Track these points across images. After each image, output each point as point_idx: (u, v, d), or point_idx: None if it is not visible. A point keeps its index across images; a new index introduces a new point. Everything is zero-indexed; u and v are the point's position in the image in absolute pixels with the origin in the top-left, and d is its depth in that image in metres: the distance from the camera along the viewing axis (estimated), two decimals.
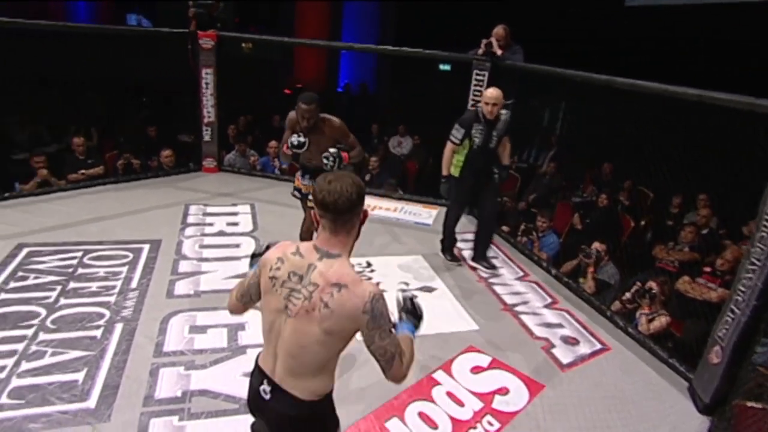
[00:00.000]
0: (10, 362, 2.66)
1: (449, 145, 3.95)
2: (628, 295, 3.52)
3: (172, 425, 2.36)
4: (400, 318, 1.69)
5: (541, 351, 3.18)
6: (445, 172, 4.01)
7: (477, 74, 4.97)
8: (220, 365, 2.78)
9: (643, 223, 5.03)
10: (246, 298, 1.64)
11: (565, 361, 3.10)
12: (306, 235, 3.67)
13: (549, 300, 3.82)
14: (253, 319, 3.16)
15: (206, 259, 3.93)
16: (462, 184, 4.03)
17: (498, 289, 3.93)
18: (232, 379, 2.67)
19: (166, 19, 6.20)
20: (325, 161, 3.24)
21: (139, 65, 6.26)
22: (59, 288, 3.38)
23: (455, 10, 9.00)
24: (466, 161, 3.95)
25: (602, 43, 6.90)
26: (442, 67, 10.22)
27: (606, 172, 6.09)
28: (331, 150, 3.26)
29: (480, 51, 4.92)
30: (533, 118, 5.22)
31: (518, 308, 3.66)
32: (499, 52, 4.87)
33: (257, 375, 1.60)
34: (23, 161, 5.46)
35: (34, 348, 2.79)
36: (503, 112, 3.88)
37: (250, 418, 2.20)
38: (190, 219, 4.70)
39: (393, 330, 1.53)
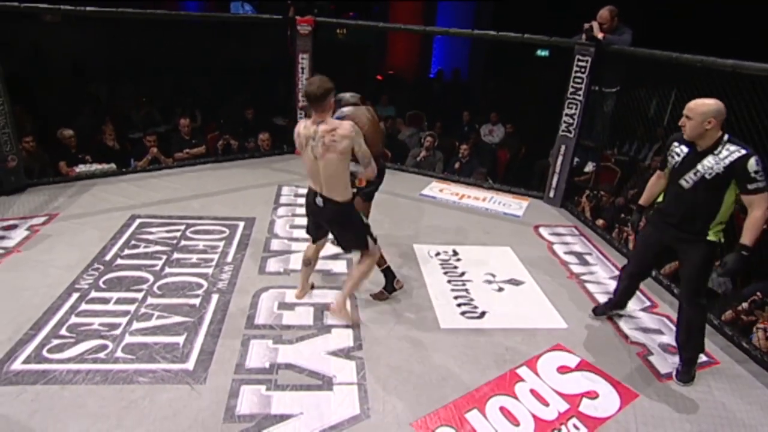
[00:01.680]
0: (124, 321, 2.94)
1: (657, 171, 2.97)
2: (744, 305, 3.17)
3: (260, 394, 2.47)
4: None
5: (636, 357, 2.96)
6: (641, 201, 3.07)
7: (579, 60, 4.68)
8: (306, 342, 2.87)
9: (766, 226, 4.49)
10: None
11: (663, 371, 2.87)
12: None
13: (647, 303, 3.55)
14: None
15: (296, 239, 4.07)
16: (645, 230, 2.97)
17: (590, 287, 3.71)
18: (317, 356, 2.75)
19: (269, 5, 6.44)
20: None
21: (240, 51, 6.60)
22: (165, 258, 3.66)
23: None
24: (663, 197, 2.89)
25: (725, 24, 6.23)
26: (539, 52, 9.80)
27: None
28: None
29: (583, 36, 4.63)
30: (638, 107, 4.82)
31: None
32: (600, 35, 4.54)
33: (311, 193, 2.87)
34: (138, 140, 5.97)
35: (143, 310, 3.05)
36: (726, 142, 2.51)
37: (332, 395, 2.34)
38: (283, 199, 4.89)
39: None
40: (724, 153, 2.46)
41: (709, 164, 2.49)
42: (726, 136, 2.49)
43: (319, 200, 2.80)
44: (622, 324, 3.28)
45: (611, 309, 3.32)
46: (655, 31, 4.90)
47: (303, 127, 2.71)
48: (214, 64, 6.71)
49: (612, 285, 3.75)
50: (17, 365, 2.56)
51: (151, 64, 6.63)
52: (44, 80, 6.63)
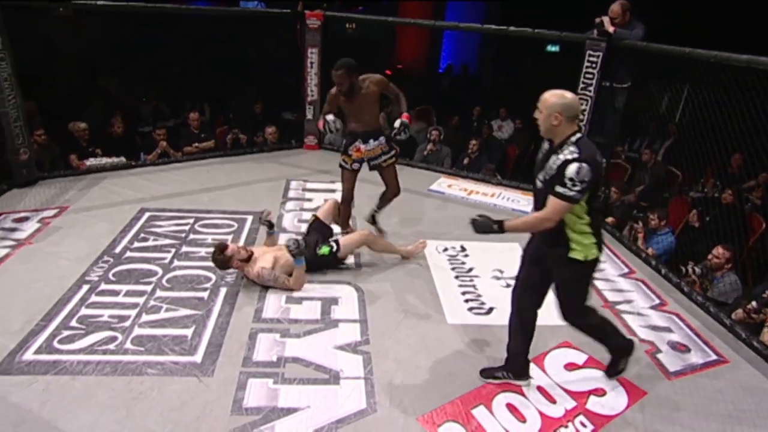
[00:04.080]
0: (133, 313, 2.96)
1: None
2: (754, 304, 3.13)
3: (267, 387, 2.49)
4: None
5: (644, 355, 2.94)
6: None
7: (590, 55, 4.64)
8: (313, 336, 2.88)
9: None
10: None
11: (672, 368, 2.84)
12: (348, 196, 3.85)
13: (657, 301, 3.52)
14: (346, 295, 3.27)
15: (304, 234, 4.07)
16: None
17: (599, 284, 3.68)
18: (324, 350, 2.76)
19: (277, 1, 6.44)
20: (398, 137, 3.61)
21: (250, 45, 6.60)
22: (173, 251, 3.68)
23: None
24: None
25: (740, 19, 6.14)
26: (549, 48, 9.73)
27: (734, 165, 5.44)
28: (396, 123, 3.58)
29: (594, 31, 4.58)
30: (650, 104, 4.77)
31: (621, 306, 3.42)
32: (611, 29, 4.49)
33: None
34: (147, 134, 6.00)
35: (152, 303, 3.07)
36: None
37: (339, 389, 2.35)
38: (291, 194, 4.90)
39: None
40: (563, 153, 2.15)
41: (551, 162, 2.20)
42: (576, 137, 2.16)
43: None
44: (631, 321, 3.25)
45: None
46: (669, 25, 4.84)
47: None
48: (224, 58, 6.72)
49: (621, 283, 3.74)
50: (29, 355, 2.59)
51: (160, 58, 6.65)
52: (55, 74, 6.68)
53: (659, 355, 2.94)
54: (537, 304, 2.54)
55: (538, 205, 2.31)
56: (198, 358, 2.66)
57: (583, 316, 2.54)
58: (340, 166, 3.82)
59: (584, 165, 2.09)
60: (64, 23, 7.24)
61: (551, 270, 2.41)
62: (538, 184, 2.30)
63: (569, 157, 2.12)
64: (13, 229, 3.84)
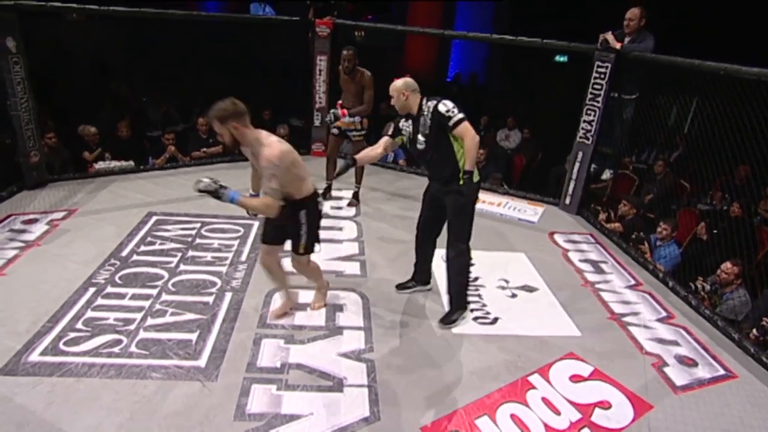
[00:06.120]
0: (138, 316, 2.97)
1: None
2: (765, 321, 3.09)
3: (270, 393, 2.48)
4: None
5: (651, 368, 2.92)
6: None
7: (598, 66, 4.64)
8: (317, 343, 2.88)
9: None
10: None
11: (678, 382, 2.82)
12: (331, 154, 4.86)
13: (663, 314, 3.50)
14: (351, 302, 3.27)
15: None
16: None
17: (605, 296, 3.67)
18: (328, 357, 2.76)
19: (288, 6, 6.49)
20: (327, 118, 4.62)
21: (259, 51, 6.64)
22: (180, 255, 3.69)
23: None
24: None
25: (749, 31, 6.13)
26: (558, 58, 9.73)
27: (740, 177, 5.40)
28: (332, 110, 4.53)
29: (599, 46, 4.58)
30: (658, 116, 4.75)
31: (627, 319, 3.39)
32: (617, 46, 4.50)
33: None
34: (156, 138, 6.04)
35: (157, 306, 3.08)
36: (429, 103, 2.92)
37: (342, 396, 2.35)
38: None
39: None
40: (425, 110, 2.89)
41: (423, 123, 2.92)
42: (425, 99, 2.93)
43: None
44: (637, 333, 3.23)
45: (415, 284, 3.50)
46: (677, 37, 4.83)
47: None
48: (233, 63, 6.77)
49: (628, 294, 3.71)
50: (35, 357, 2.60)
51: (170, 63, 6.71)
52: (66, 78, 6.74)
53: (666, 369, 2.92)
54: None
55: (428, 163, 3.05)
56: (202, 362, 2.66)
57: (465, 243, 3.11)
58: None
59: (445, 99, 2.89)
60: (75, 27, 7.32)
61: (445, 201, 3.05)
62: (420, 147, 2.97)
63: (432, 105, 2.87)
64: (22, 231, 3.88)
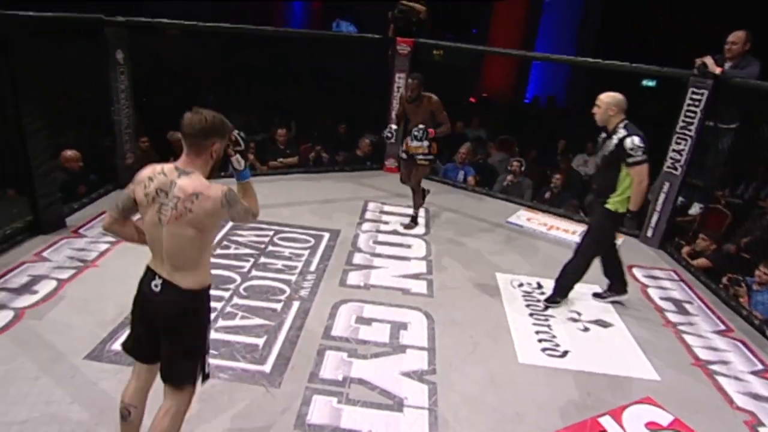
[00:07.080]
0: (211, 317, 3.07)
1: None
2: None
3: (331, 405, 2.49)
4: (237, 167, 2.09)
5: (743, 425, 2.64)
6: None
7: (693, 93, 4.35)
8: (380, 359, 2.86)
9: None
10: (126, 212, 1.91)
11: None
12: (405, 180, 4.80)
13: (759, 366, 3.17)
14: (416, 321, 3.23)
15: (378, 255, 4.09)
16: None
17: (689, 339, 3.39)
18: (390, 375, 2.72)
19: (371, 24, 6.65)
20: (415, 132, 4.39)
21: (338, 67, 6.84)
22: (252, 260, 3.82)
23: (670, 18, 8.07)
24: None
25: None
26: (645, 82, 9.28)
27: None
28: (420, 125, 4.37)
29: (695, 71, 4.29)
30: (760, 146, 4.38)
31: (714, 367, 3.11)
32: (717, 70, 4.19)
33: (148, 274, 1.92)
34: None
35: (228, 309, 3.20)
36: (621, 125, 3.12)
37: (402, 417, 2.27)
38: (368, 215, 4.96)
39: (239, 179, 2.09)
40: (616, 134, 3.09)
41: (608, 144, 3.13)
42: (622, 123, 3.09)
43: (156, 283, 1.87)
44: (726, 385, 2.94)
45: (610, 293, 3.70)
46: None
47: (157, 171, 1.83)
48: (312, 76, 7.01)
49: (716, 340, 3.41)
50: (117, 346, 2.76)
51: (254, 75, 7.06)
52: (161, 87, 7.25)
53: (761, 429, 2.63)
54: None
55: (597, 177, 3.43)
56: (267, 368, 2.71)
57: (589, 257, 3.45)
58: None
59: (635, 136, 3.03)
60: (172, 41, 7.88)
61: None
62: (597, 161, 3.31)
63: (622, 135, 3.06)
64: None
